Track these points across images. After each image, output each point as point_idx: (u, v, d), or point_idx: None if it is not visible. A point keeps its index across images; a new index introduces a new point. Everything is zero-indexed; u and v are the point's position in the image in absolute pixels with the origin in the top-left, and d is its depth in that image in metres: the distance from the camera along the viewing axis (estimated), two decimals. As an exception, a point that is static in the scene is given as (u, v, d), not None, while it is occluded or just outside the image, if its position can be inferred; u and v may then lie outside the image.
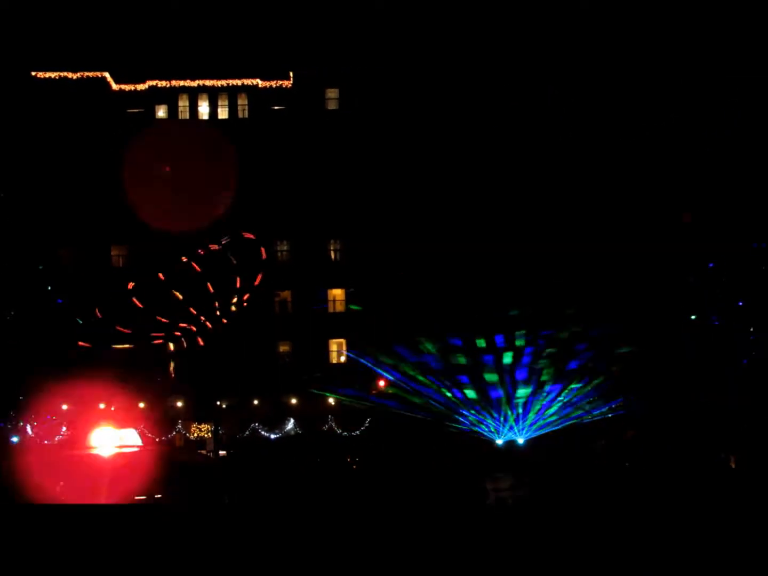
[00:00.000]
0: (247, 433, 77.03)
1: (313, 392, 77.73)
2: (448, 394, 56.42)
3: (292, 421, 77.97)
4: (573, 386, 54.11)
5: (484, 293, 60.70)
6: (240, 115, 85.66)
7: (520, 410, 55.30)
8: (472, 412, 55.22)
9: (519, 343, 56.40)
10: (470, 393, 57.19)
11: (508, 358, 57.11)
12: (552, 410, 54.38)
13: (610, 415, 54.87)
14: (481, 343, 57.38)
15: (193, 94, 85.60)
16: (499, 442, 54.74)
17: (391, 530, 18.06)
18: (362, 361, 60.08)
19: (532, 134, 65.41)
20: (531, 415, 54.31)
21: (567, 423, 53.66)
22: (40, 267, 78.07)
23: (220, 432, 76.72)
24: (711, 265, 45.76)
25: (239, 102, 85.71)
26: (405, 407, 58.45)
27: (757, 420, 47.84)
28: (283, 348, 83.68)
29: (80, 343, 76.18)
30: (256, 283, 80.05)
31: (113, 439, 43.73)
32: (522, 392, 55.96)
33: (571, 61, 63.99)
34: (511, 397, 56.19)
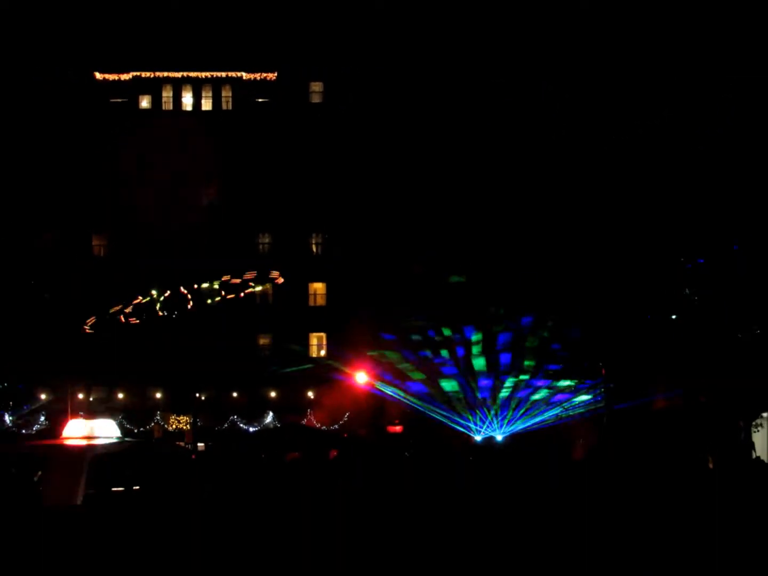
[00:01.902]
0: (226, 425, 76.96)
1: (292, 385, 77.69)
2: (444, 386, 56.36)
3: (271, 414, 77.92)
4: (555, 383, 54.07)
5: (468, 286, 60.61)
6: (224, 106, 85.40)
7: (498, 407, 55.30)
8: (458, 407, 55.18)
9: (500, 333, 56.27)
10: (451, 385, 57.19)
11: (477, 349, 57.10)
12: (533, 406, 54.39)
13: (587, 415, 54.84)
14: (447, 331, 57.29)
15: (177, 85, 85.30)
16: (478, 438, 54.70)
17: (369, 521, 18.09)
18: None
19: (523, 129, 65.39)
20: (516, 412, 54.31)
21: (548, 420, 53.65)
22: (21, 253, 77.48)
23: (198, 424, 76.59)
24: (701, 261, 45.92)
25: (223, 94, 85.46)
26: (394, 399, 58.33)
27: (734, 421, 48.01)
28: (263, 341, 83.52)
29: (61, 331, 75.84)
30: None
31: (90, 430, 43.38)
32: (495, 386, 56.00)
33: (565, 57, 63.97)
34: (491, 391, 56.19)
